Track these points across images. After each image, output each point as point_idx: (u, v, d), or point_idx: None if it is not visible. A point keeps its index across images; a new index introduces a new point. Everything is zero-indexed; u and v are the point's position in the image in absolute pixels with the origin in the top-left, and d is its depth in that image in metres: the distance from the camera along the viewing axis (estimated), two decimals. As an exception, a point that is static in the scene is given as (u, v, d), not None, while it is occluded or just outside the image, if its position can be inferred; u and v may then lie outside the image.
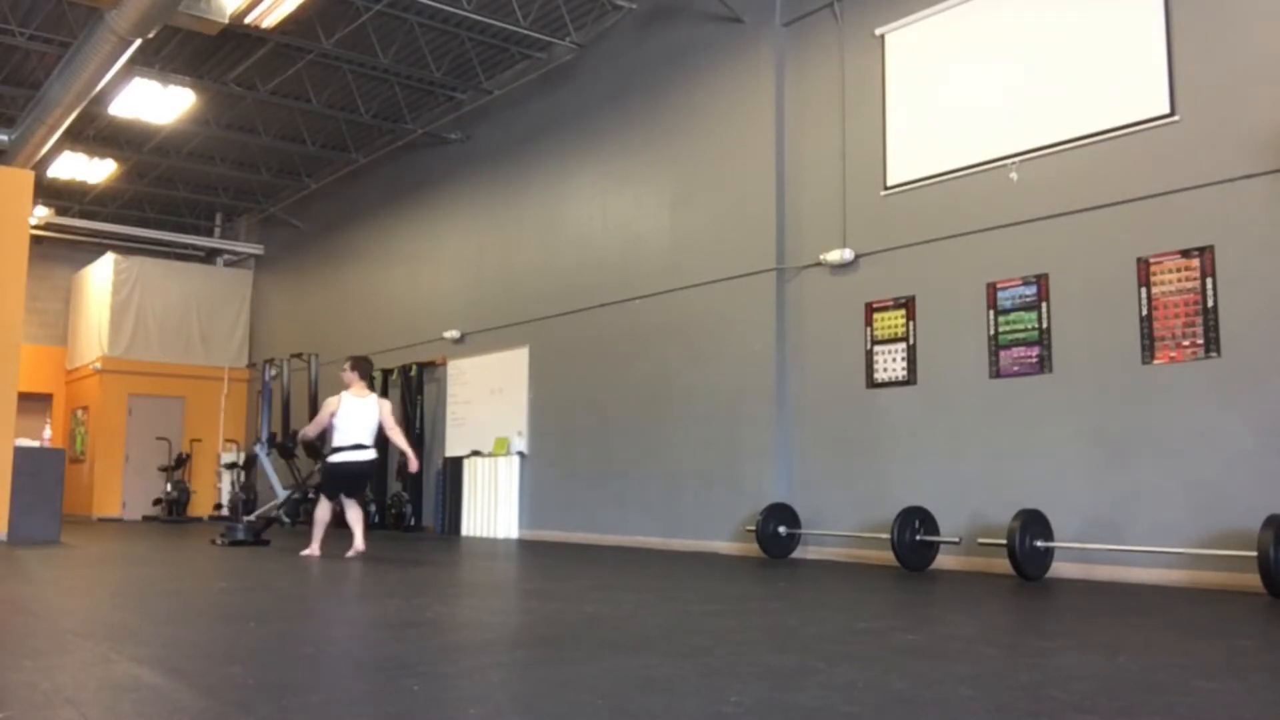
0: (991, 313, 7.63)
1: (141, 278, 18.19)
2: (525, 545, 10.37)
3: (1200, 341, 6.47)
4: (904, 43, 8.44)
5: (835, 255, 8.64)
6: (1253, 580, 5.66)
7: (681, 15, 10.43)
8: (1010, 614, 4.93)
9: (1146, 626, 4.43)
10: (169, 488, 17.07)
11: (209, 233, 19.74)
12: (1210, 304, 6.44)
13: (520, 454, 11.91)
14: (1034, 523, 6.68)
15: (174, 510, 16.90)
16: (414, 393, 13.75)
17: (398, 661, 3.24)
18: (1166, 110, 6.77)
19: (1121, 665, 3.30)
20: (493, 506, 11.97)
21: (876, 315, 8.43)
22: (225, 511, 17.66)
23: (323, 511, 8.42)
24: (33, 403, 18.22)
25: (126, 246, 18.64)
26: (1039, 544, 6.68)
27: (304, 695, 2.72)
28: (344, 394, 8.48)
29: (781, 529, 8.46)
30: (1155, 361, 6.68)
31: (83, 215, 18.26)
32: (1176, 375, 6.57)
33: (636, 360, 10.48)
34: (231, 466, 17.88)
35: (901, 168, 8.34)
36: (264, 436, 15.61)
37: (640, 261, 10.57)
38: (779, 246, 9.16)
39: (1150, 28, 6.88)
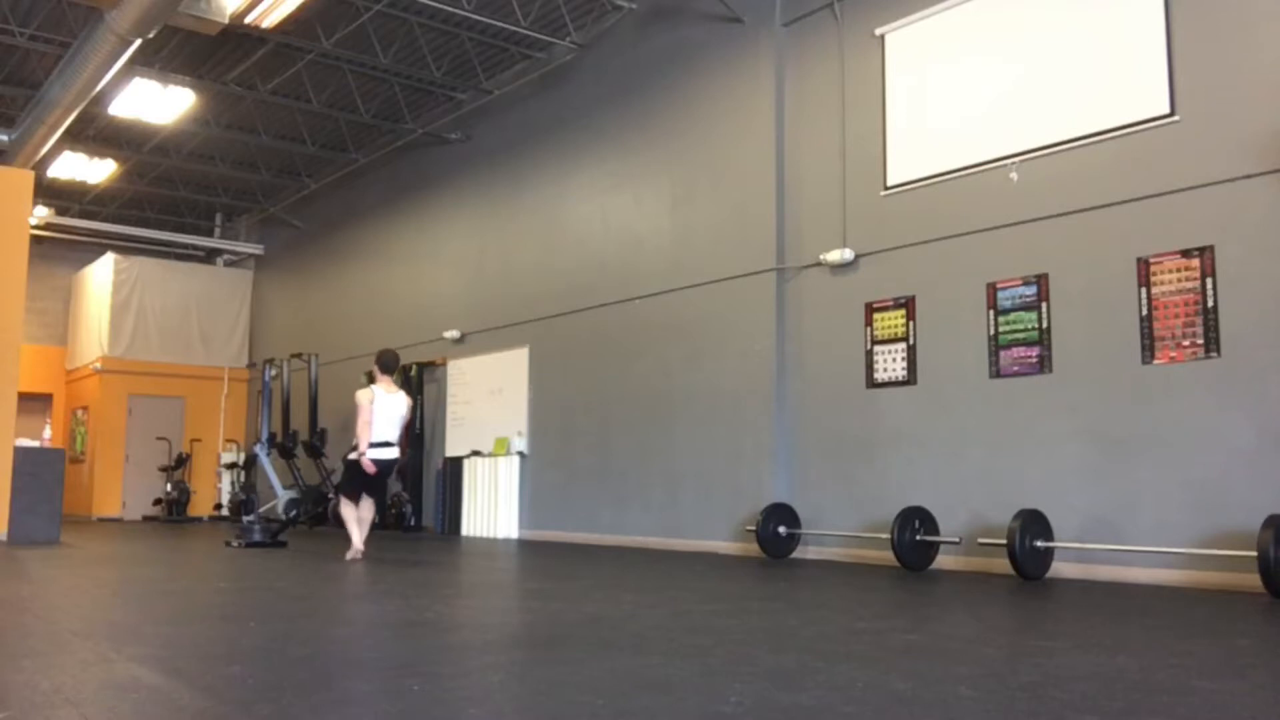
0: (991, 313, 7.63)
1: (141, 278, 18.19)
2: (525, 545, 10.37)
3: (1200, 341, 6.47)
4: (904, 43, 8.44)
5: (835, 255, 8.64)
6: (1253, 580, 5.66)
7: (681, 15, 10.43)
8: (1010, 614, 4.93)
9: (1146, 626, 4.43)
10: (169, 488, 17.07)
11: (209, 233, 19.74)
12: (1210, 304, 6.44)
13: (520, 454, 11.91)
14: (1034, 523, 6.68)
15: (174, 510, 16.90)
16: (414, 393, 13.74)
17: (398, 661, 3.24)
18: (1166, 110, 6.77)
19: (1121, 665, 3.30)
20: (493, 506, 11.97)
21: (876, 315, 8.43)
22: (225, 512, 17.68)
23: (349, 509, 8.20)
24: (33, 403, 18.23)
25: (126, 246, 18.64)
26: (1039, 544, 6.67)
27: (304, 695, 2.72)
28: (375, 388, 8.20)
29: (781, 529, 8.46)
30: (1155, 361, 6.68)
31: (83, 215, 18.26)
32: (1176, 375, 6.57)
33: (636, 360, 10.48)
34: (231, 466, 17.89)
35: (901, 168, 8.34)
36: (264, 436, 15.63)
37: (640, 261, 10.57)
38: (779, 246, 9.16)
39: (1150, 28, 6.88)
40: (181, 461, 17.38)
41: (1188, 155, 6.64)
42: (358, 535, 8.06)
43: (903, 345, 8.20)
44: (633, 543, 10.15)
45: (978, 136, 7.82)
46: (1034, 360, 7.34)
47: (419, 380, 13.80)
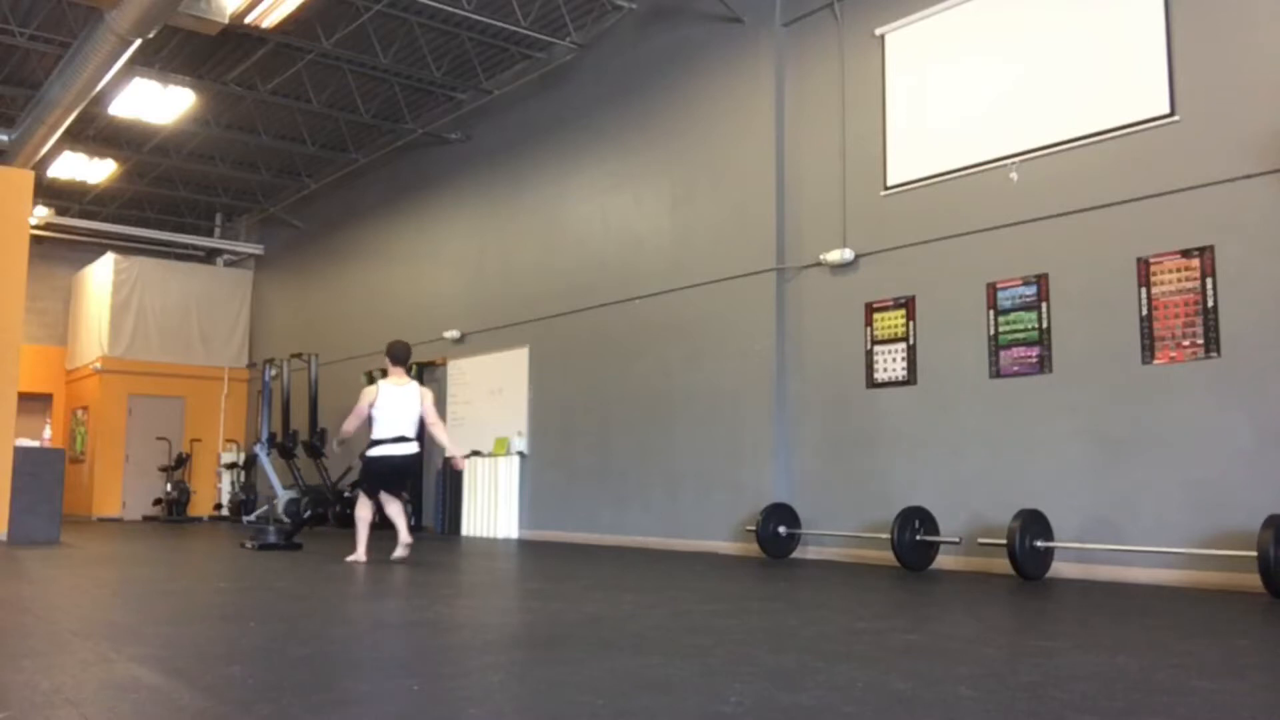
0: (991, 313, 7.63)
1: (141, 278, 18.20)
2: (525, 545, 10.37)
3: (1200, 341, 6.47)
4: (904, 43, 8.44)
5: (835, 255, 8.64)
6: (1253, 580, 5.66)
7: (681, 15, 10.43)
8: (1010, 614, 4.93)
9: (1146, 626, 4.43)
10: (169, 488, 17.07)
11: (209, 233, 19.74)
12: (1210, 304, 6.44)
13: (520, 454, 11.91)
14: (1034, 523, 6.68)
15: (174, 510, 16.90)
16: (414, 393, 13.74)
17: (398, 661, 3.24)
18: (1166, 110, 6.77)
19: (1121, 665, 3.30)
20: (493, 506, 11.97)
21: (876, 315, 8.43)
22: (225, 512, 17.67)
23: (365, 510, 7.85)
24: (33, 403, 18.23)
25: (126, 246, 18.64)
26: (1039, 544, 6.67)
27: (304, 695, 2.72)
28: (381, 382, 7.91)
29: (781, 529, 8.46)
30: (1155, 361, 6.68)
31: (83, 215, 18.26)
32: (1176, 375, 6.57)
33: (636, 360, 10.48)
34: (231, 466, 17.89)
35: (901, 168, 8.34)
36: (264, 436, 15.61)
37: (640, 261, 10.57)
38: (779, 246, 9.16)
39: (1150, 28, 6.88)
40: (181, 461, 17.38)
41: (1188, 155, 6.64)
42: (364, 541, 7.75)
43: (903, 345, 8.20)
44: (633, 543, 10.15)
45: (978, 136, 7.82)
46: (1034, 360, 7.34)
47: (419, 380, 13.75)
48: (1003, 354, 7.53)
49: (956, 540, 7.46)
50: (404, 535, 7.72)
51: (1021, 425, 7.35)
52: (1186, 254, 6.59)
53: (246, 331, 19.40)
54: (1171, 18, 6.78)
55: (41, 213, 16.86)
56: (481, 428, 12.62)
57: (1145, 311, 6.75)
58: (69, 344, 19.66)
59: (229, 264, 19.83)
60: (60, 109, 10.87)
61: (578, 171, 11.61)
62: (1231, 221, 6.41)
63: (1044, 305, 7.31)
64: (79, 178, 16.15)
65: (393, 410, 7.74)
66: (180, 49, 12.23)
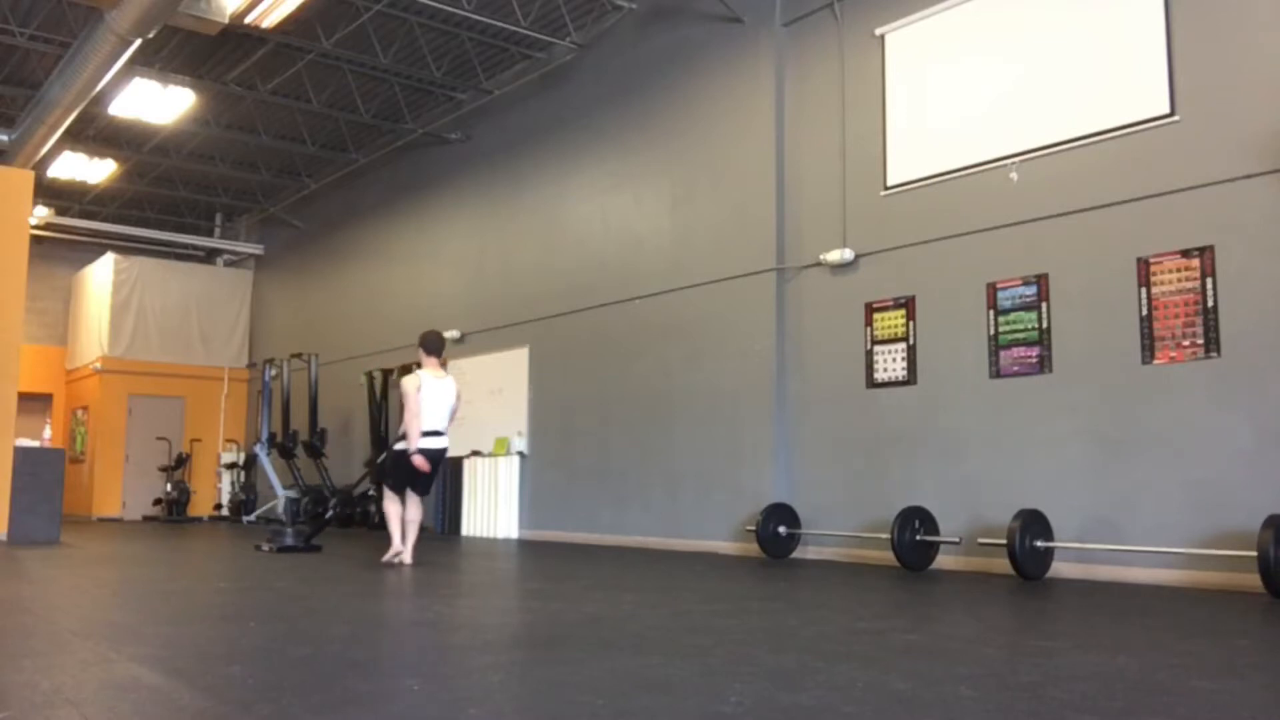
0: (991, 313, 7.63)
1: (141, 278, 18.20)
2: (525, 545, 10.37)
3: (1200, 341, 6.47)
4: (904, 43, 8.44)
5: (835, 255, 8.64)
6: (1253, 580, 5.66)
7: (681, 15, 10.43)
8: (1010, 614, 4.93)
9: (1146, 626, 4.43)
10: (169, 488, 17.07)
11: (209, 233, 19.74)
12: (1210, 304, 6.44)
13: (520, 454, 11.90)
14: (1034, 523, 6.68)
15: (174, 510, 16.90)
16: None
17: (398, 661, 3.24)
18: (1166, 110, 6.77)
19: (1121, 665, 3.30)
20: (493, 506, 11.97)
21: (876, 315, 8.43)
22: (225, 512, 17.67)
23: (394, 505, 7.54)
24: (33, 403, 18.22)
25: (126, 246, 18.64)
26: (1039, 544, 6.67)
27: (304, 695, 2.72)
28: (421, 373, 7.53)
29: (781, 529, 8.46)
30: (1155, 361, 6.68)
31: (83, 215, 18.27)
32: (1176, 375, 6.57)
33: (636, 360, 10.48)
34: (231, 466, 17.89)
35: (901, 168, 8.34)
36: (264, 436, 15.63)
37: (640, 261, 10.57)
38: (779, 246, 9.16)
39: (1150, 28, 6.88)
40: (181, 461, 17.38)
41: (1188, 155, 6.64)
42: (399, 535, 7.46)
43: (903, 345, 8.20)
44: (633, 543, 10.15)
45: (978, 136, 7.82)
46: (1034, 360, 7.34)
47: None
48: (1003, 354, 7.53)
49: (956, 540, 7.46)
50: (408, 553, 7.46)
51: (1021, 425, 7.35)
52: (1186, 254, 6.59)
53: (246, 331, 19.40)
54: (1171, 18, 6.78)
55: (41, 213, 16.86)
56: (481, 428, 12.61)
57: (1145, 311, 6.75)
58: (69, 344, 19.66)
59: (229, 264, 19.83)
60: (60, 109, 10.87)
61: (578, 171, 11.61)
62: (1231, 221, 6.40)
63: (1044, 305, 7.31)
64: (79, 178, 16.14)
65: (431, 402, 7.43)
66: (180, 49, 12.22)
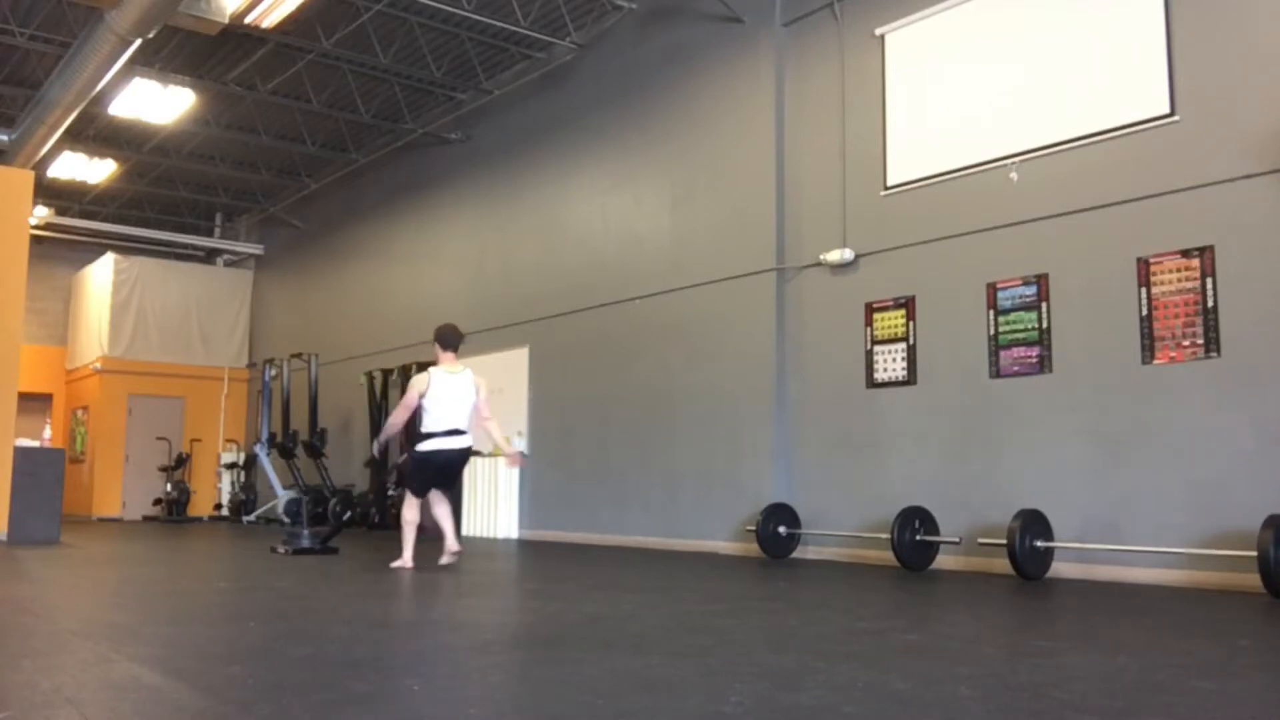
0: (991, 313, 7.63)
1: (141, 278, 18.19)
2: (525, 545, 10.37)
3: (1200, 341, 6.47)
4: (904, 43, 8.44)
5: (835, 255, 8.64)
6: (1253, 580, 5.66)
7: (681, 15, 10.43)
8: (1010, 614, 4.93)
9: (1146, 626, 4.43)
10: (169, 488, 17.07)
11: (209, 233, 19.74)
12: (1210, 304, 6.44)
13: (520, 454, 11.90)
14: (1034, 523, 6.68)
15: (174, 510, 16.90)
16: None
17: (398, 661, 3.24)
18: (1166, 110, 6.77)
19: (1121, 665, 3.29)
20: (493, 506, 11.96)
21: (876, 315, 8.43)
22: (225, 512, 17.67)
23: (411, 512, 7.14)
24: (33, 403, 18.22)
25: (126, 246, 18.64)
26: (1039, 544, 6.68)
27: (304, 695, 2.72)
28: (433, 370, 7.10)
29: (781, 529, 8.46)
30: (1155, 361, 6.68)
31: (83, 215, 18.26)
32: (1176, 375, 6.57)
33: (636, 360, 10.48)
34: (231, 466, 17.89)
35: (901, 168, 8.34)
36: (264, 436, 15.62)
37: (640, 261, 10.57)
38: (779, 246, 9.16)
39: (1150, 28, 6.88)
40: (181, 461, 17.38)
41: (1188, 155, 6.64)
42: (411, 548, 7.10)
43: (903, 345, 8.20)
44: (633, 543, 10.15)
45: (978, 136, 7.82)
46: (1034, 360, 7.34)
47: (419, 380, 13.77)
48: (1003, 354, 7.53)
49: (956, 540, 7.46)
50: (451, 541, 7.10)
51: (1021, 425, 7.35)
52: (1186, 254, 6.59)
53: (246, 331, 19.40)
54: (1171, 18, 6.78)
55: (41, 213, 16.85)
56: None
57: (1145, 311, 6.75)
58: (69, 344, 19.66)
59: (229, 264, 19.83)
60: (60, 109, 10.87)
61: (578, 171, 11.61)
62: (1231, 221, 6.41)
63: (1044, 305, 7.31)
64: (79, 178, 16.14)
65: (446, 400, 6.99)
66: (180, 49, 12.22)
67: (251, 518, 16.43)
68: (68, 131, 12.57)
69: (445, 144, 13.97)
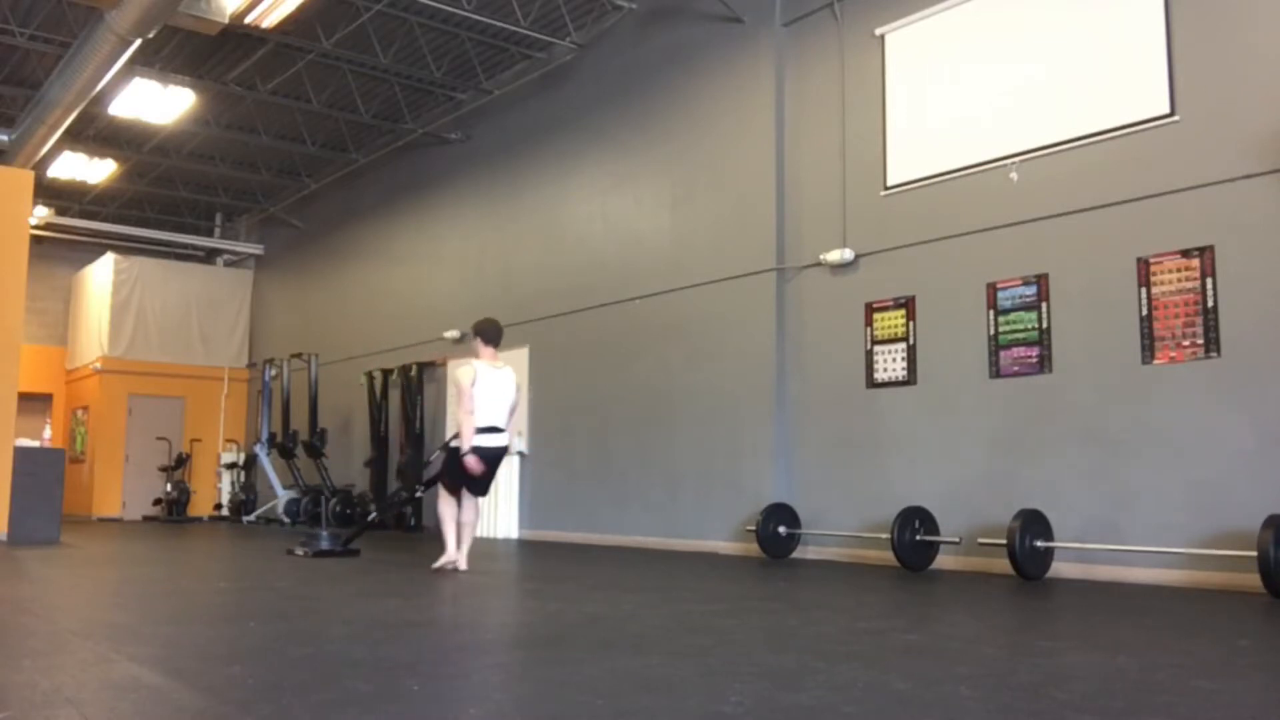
0: (991, 313, 7.63)
1: (141, 278, 18.19)
2: (525, 545, 10.36)
3: (1200, 341, 6.47)
4: (904, 43, 8.44)
5: (835, 255, 8.64)
6: (1253, 580, 5.66)
7: (681, 15, 10.43)
8: (1010, 614, 4.93)
9: (1146, 626, 4.43)
10: (169, 488, 17.07)
11: (209, 233, 19.74)
12: (1210, 304, 6.44)
13: (520, 454, 11.90)
14: (1034, 523, 6.68)
15: (174, 510, 16.90)
16: (414, 393, 13.75)
17: (398, 661, 3.24)
18: (1166, 110, 6.76)
19: (1121, 665, 3.29)
20: (493, 506, 11.96)
21: (876, 315, 8.43)
22: (225, 512, 17.67)
23: (449, 508, 6.89)
24: (33, 403, 18.22)
25: (126, 246, 18.64)
26: (1039, 544, 6.68)
27: (304, 695, 2.72)
28: (477, 363, 6.82)
29: (781, 529, 8.46)
30: (1155, 361, 6.68)
31: (83, 215, 18.26)
32: (1176, 375, 6.57)
33: (636, 360, 10.48)
34: (231, 466, 17.89)
35: (901, 168, 8.34)
36: (264, 436, 15.63)
37: (640, 261, 10.57)
38: (779, 246, 9.16)
39: (1150, 28, 6.88)
40: (181, 461, 17.38)
41: (1188, 155, 6.64)
42: (453, 541, 6.86)
43: (903, 345, 8.20)
44: (633, 543, 10.15)
45: (978, 136, 7.82)
46: (1034, 360, 7.34)
47: (419, 380, 13.79)
48: (1003, 354, 7.53)
49: (956, 540, 7.46)
50: (463, 560, 6.90)
51: (1021, 425, 7.35)
52: (1186, 254, 6.59)
53: (246, 331, 19.40)
54: (1171, 18, 6.78)
55: (41, 213, 16.85)
56: (481, 428, 12.60)
57: (1145, 311, 6.75)
58: (69, 344, 19.66)
59: (229, 264, 19.82)
60: (60, 109, 10.87)
61: (578, 171, 11.61)
62: (1231, 221, 6.40)
63: (1044, 305, 7.31)
64: (79, 178, 16.14)
65: (489, 396, 6.75)
66: (180, 49, 12.22)
67: (251, 518, 16.43)
68: (68, 131, 12.57)
69: (445, 144, 13.97)
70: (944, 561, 7.63)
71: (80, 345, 19.04)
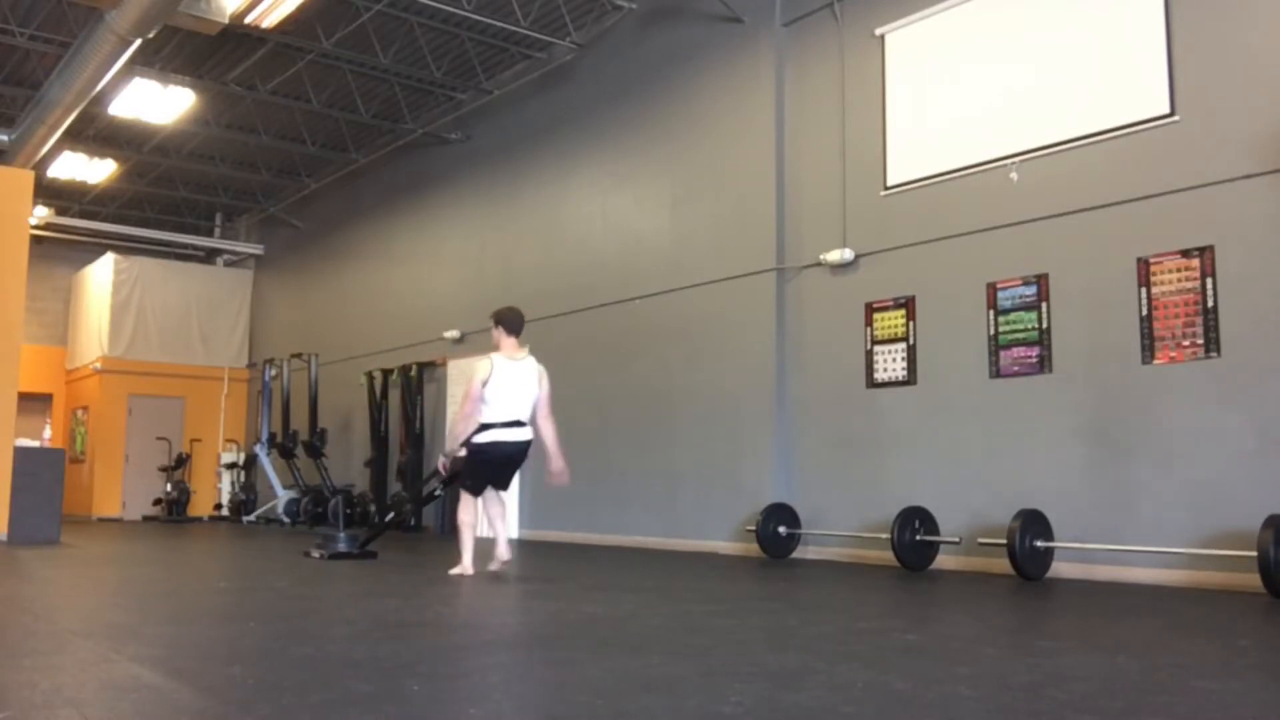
0: (991, 313, 7.63)
1: (141, 278, 18.19)
2: (525, 545, 10.37)
3: (1200, 341, 6.47)
4: (904, 43, 8.44)
5: (835, 255, 8.64)
6: (1253, 580, 5.66)
7: (681, 15, 10.43)
8: (1010, 614, 4.93)
9: (1146, 626, 4.43)
10: (169, 488, 17.07)
11: (209, 233, 19.74)
12: (1210, 304, 6.44)
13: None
14: (1034, 523, 6.68)
15: (174, 510, 16.90)
16: (414, 393, 13.74)
17: (398, 661, 3.24)
18: (1166, 110, 6.76)
19: (1121, 665, 3.29)
20: (493, 506, 11.95)
21: (876, 315, 8.43)
22: (225, 512, 17.67)
23: (468, 513, 6.60)
24: (33, 403, 18.22)
25: (126, 246, 18.63)
26: (1039, 544, 6.67)
27: (304, 695, 2.72)
28: (495, 356, 6.53)
29: (781, 529, 8.46)
30: (1155, 361, 6.68)
31: (83, 215, 18.25)
32: (1176, 375, 6.57)
33: (636, 360, 10.48)
34: (231, 466, 17.89)
35: (901, 168, 8.34)
36: (264, 436, 15.63)
37: (640, 261, 10.57)
38: (779, 246, 9.16)
39: (1150, 28, 6.88)
40: (181, 461, 17.38)
41: (1188, 155, 6.64)
42: (470, 551, 6.55)
43: (903, 345, 8.20)
44: (633, 543, 10.15)
45: (978, 136, 7.82)
46: (1034, 360, 7.34)
47: (419, 380, 13.79)
48: (1003, 354, 7.53)
49: (956, 540, 7.46)
50: (503, 548, 6.63)
51: (1021, 425, 7.35)
52: (1186, 254, 6.59)
53: (246, 331, 19.40)
54: (1171, 18, 6.78)
55: (41, 213, 16.84)
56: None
57: (1145, 311, 6.75)
58: (69, 344, 19.66)
59: (229, 264, 19.82)
60: (60, 109, 10.87)
61: (578, 171, 11.61)
62: (1231, 221, 6.40)
63: (1044, 305, 7.31)
64: (79, 178, 16.13)
65: (508, 389, 6.44)
66: (180, 49, 12.22)
67: (251, 518, 16.43)
68: (68, 131, 12.56)
69: (445, 144, 13.97)
70: (944, 561, 7.63)
71: (80, 345, 19.04)
